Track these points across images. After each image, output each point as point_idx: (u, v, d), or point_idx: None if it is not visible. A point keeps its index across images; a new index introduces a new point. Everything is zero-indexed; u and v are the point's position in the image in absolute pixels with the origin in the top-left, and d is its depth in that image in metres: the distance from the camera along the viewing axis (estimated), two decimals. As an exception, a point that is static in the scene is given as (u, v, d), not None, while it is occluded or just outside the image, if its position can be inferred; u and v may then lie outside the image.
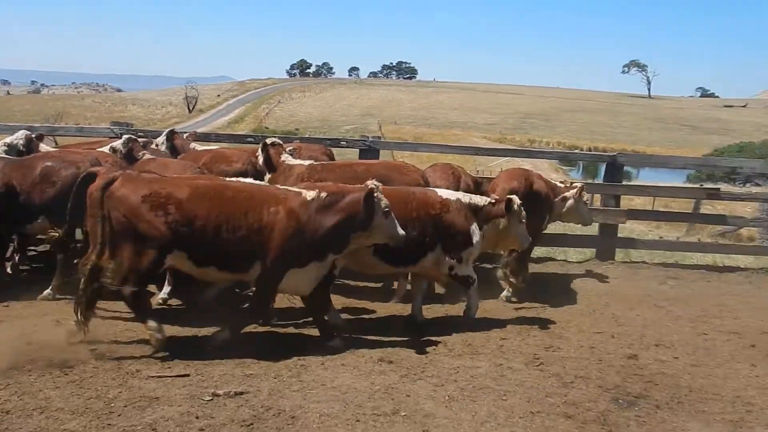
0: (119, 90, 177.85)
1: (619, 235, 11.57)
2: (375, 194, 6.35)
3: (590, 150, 60.03)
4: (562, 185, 9.42)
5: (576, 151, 44.97)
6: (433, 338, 6.92)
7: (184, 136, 10.21)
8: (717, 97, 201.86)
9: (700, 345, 7.27)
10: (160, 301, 7.69)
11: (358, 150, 11.21)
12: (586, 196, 9.57)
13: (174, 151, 9.56)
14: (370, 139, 11.31)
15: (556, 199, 9.15)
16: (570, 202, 9.17)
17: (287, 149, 8.60)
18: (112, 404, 5.03)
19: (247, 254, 6.19)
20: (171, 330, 6.53)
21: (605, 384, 5.93)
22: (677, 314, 8.44)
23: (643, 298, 9.11)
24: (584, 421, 5.17)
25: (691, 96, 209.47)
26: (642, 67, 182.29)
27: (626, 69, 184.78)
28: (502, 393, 5.61)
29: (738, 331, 7.80)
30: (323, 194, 6.38)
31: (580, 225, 10.05)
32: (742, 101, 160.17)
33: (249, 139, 11.58)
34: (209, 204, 6.13)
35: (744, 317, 8.47)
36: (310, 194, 6.37)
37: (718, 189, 13.29)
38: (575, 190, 9.18)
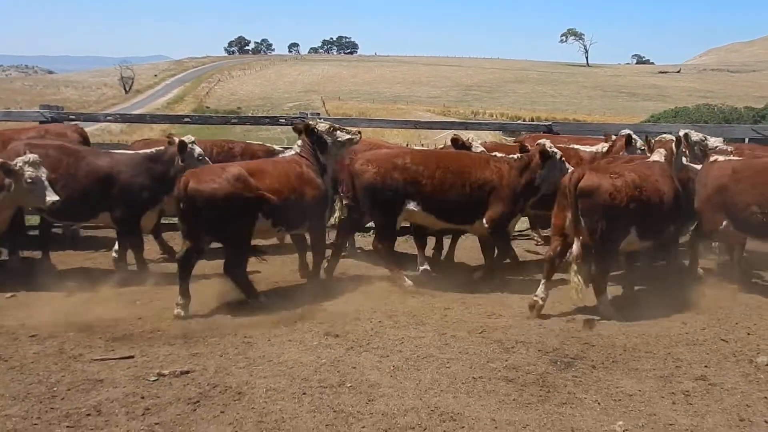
0: (50, 72, 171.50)
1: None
2: None
3: (532, 120, 60.81)
4: None
5: (512, 122, 45.44)
6: (379, 311, 7.02)
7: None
8: (652, 63, 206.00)
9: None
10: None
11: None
12: None
13: None
14: (309, 115, 10.93)
15: None
16: None
17: None
18: (55, 388, 5.00)
19: None
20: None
21: (545, 348, 6.11)
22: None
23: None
24: (524, 383, 5.34)
25: (628, 63, 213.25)
26: (579, 36, 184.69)
27: (564, 38, 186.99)
28: (446, 361, 5.74)
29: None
30: None
31: None
32: (675, 67, 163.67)
33: (186, 120, 11.39)
34: None
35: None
36: None
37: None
38: None
